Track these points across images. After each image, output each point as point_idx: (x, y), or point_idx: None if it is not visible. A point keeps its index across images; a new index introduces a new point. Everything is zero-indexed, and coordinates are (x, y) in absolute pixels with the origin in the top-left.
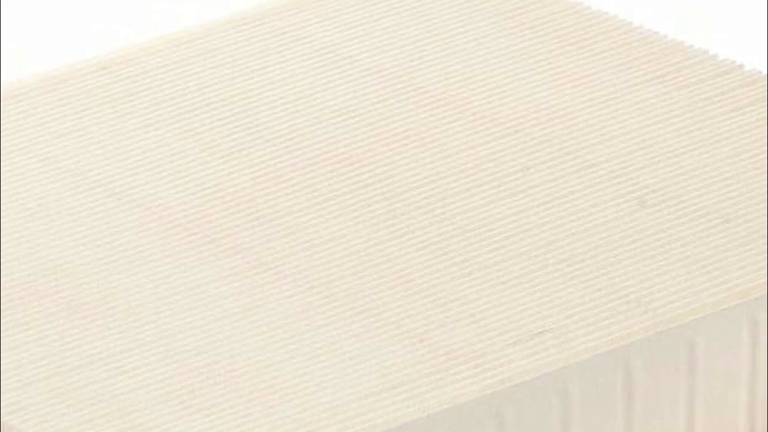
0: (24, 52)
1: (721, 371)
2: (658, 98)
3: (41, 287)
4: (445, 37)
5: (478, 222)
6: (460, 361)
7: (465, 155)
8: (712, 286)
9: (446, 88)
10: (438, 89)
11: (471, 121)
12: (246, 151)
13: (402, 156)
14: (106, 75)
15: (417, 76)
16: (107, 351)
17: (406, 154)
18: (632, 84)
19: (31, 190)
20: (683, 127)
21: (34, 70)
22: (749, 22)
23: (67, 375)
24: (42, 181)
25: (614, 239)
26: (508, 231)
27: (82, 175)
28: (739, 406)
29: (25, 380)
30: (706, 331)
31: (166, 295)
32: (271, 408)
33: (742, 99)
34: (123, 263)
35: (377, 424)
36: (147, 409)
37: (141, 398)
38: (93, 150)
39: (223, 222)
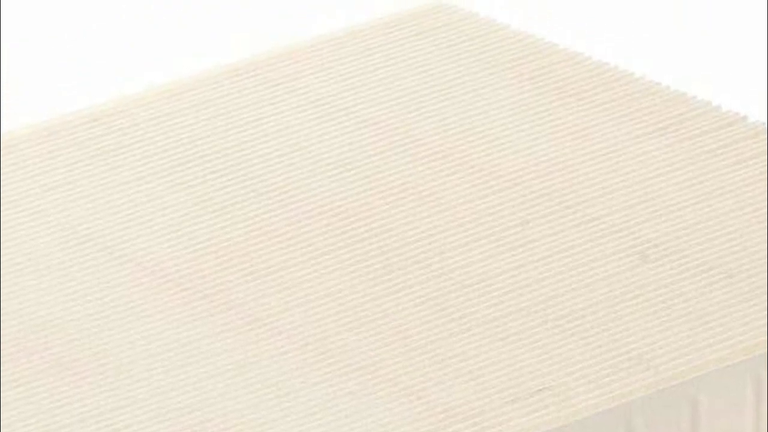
0: (14, 102)
1: (724, 429)
2: (660, 150)
3: (31, 344)
4: (442, 89)
5: (477, 277)
6: (458, 419)
7: (463, 209)
8: (715, 343)
9: (444, 140)
10: (436, 141)
11: (469, 173)
12: (240, 204)
13: (399, 209)
14: (97, 126)
15: (414, 128)
16: (98, 409)
17: (403, 208)
18: (633, 136)
19: (21, 244)
20: (685, 180)
21: (25, 120)
22: (751, 74)
23: None
24: (31, 236)
25: (615, 294)
26: (507, 286)
27: (72, 230)
28: None
29: None
30: (709, 389)
31: (159, 351)
32: None
33: (745, 151)
34: (114, 319)
35: None
36: None
37: None
38: (83, 203)
39: (216, 277)
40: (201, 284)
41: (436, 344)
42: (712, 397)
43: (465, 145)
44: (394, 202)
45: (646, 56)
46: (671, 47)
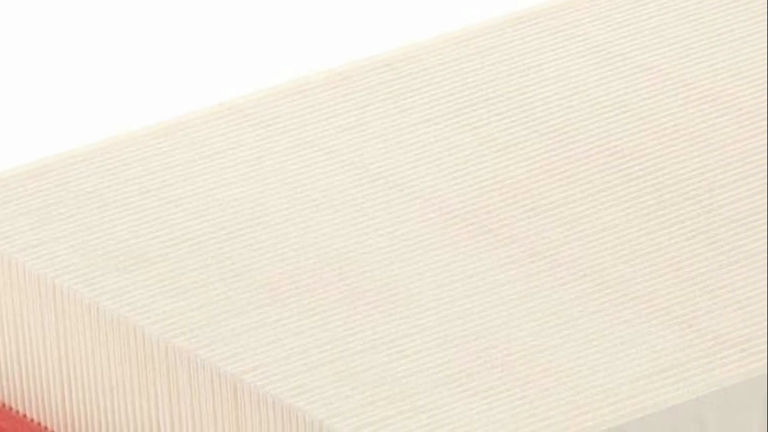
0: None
1: None
2: None
3: (326, 275)
4: (711, 36)
5: (745, 212)
6: (727, 346)
7: (731, 148)
8: None
9: (713, 84)
10: (705, 85)
11: (737, 115)
12: (522, 144)
13: (671, 149)
14: (388, 71)
15: (685, 73)
16: (389, 336)
17: (675, 147)
18: None
19: (317, 182)
20: None
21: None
22: None
23: (350, 359)
24: (327, 174)
25: None
26: None
27: (365, 168)
28: None
29: (311, 364)
30: None
31: (446, 282)
32: (546, 390)
33: None
34: (404, 252)
35: (648, 406)
36: (427, 391)
37: (421, 381)
38: (375, 144)
39: (499, 212)
40: (485, 219)
41: (706, 275)
42: None
43: (733, 88)
44: (666, 142)
45: None
46: None
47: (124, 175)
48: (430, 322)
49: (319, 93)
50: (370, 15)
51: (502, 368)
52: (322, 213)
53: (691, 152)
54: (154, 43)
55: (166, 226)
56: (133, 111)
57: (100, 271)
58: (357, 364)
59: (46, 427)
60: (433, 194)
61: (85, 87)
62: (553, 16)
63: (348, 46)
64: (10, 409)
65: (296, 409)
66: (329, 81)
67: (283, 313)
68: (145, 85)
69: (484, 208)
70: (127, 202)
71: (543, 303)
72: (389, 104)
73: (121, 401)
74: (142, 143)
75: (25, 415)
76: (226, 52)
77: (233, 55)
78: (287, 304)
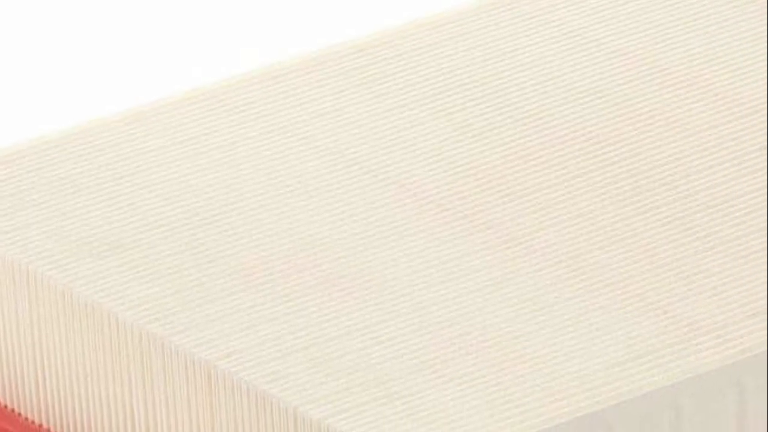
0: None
1: None
2: None
3: (301, 261)
4: (687, 21)
5: (720, 198)
6: (702, 332)
7: (707, 134)
8: None
9: (689, 69)
10: (681, 71)
11: (713, 101)
12: (497, 130)
13: (647, 134)
14: (362, 57)
15: (661, 58)
16: (363, 322)
17: (650, 133)
18: None
19: (291, 168)
20: None
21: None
22: None
23: (324, 345)
24: (301, 160)
25: None
26: (748, 207)
27: (340, 154)
28: None
29: (285, 350)
30: None
31: (420, 268)
32: (521, 377)
33: None
34: (378, 238)
35: (623, 393)
36: (402, 378)
37: (396, 367)
38: (350, 129)
39: (474, 198)
40: (460, 205)
41: (682, 261)
42: None
43: (709, 74)
44: (642, 127)
45: None
46: None
47: (97, 161)
48: (404, 308)
49: (293, 78)
50: (345, 0)
51: (477, 354)
52: (296, 199)
53: (667, 138)
54: (127, 29)
55: (139, 211)
56: (107, 96)
57: (73, 257)
58: (331, 350)
59: (19, 414)
60: (408, 180)
61: (58, 73)
62: (527, 1)
63: (322, 31)
64: None
65: (270, 396)
66: (303, 66)
67: (258, 299)
68: (118, 71)
69: (459, 193)
70: (101, 188)
71: (518, 289)
72: (364, 90)
73: (94, 387)
74: (115, 129)
75: None
76: (199, 37)
77: (207, 41)
78: (261, 290)
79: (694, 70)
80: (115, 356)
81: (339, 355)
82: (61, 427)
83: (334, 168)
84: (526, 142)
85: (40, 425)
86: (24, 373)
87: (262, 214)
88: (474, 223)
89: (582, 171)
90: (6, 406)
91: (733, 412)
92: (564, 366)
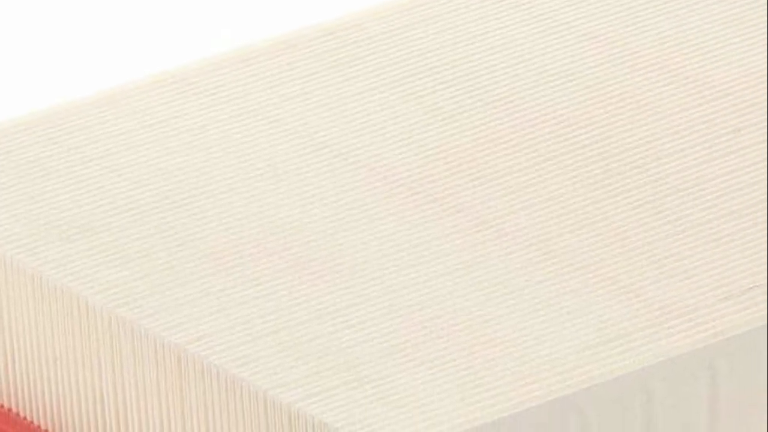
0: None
1: None
2: None
3: (270, 245)
4: (658, 4)
5: (691, 181)
6: (673, 316)
7: (678, 117)
8: None
9: (660, 52)
10: (652, 54)
11: (684, 84)
12: (467, 113)
13: (617, 118)
14: (332, 40)
15: (632, 41)
16: (334, 306)
17: (621, 116)
18: None
19: (261, 151)
20: None
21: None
22: None
23: (295, 329)
24: (271, 143)
25: None
26: (719, 190)
27: (309, 137)
28: None
29: (255, 334)
30: None
31: (391, 252)
32: (492, 360)
33: None
34: (349, 221)
35: (594, 376)
36: (372, 361)
37: (366, 351)
38: (320, 112)
39: (445, 182)
40: (431, 188)
41: (653, 245)
42: None
43: (680, 57)
44: (612, 111)
45: None
46: None
47: (66, 144)
48: (375, 291)
49: (264, 61)
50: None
51: (447, 338)
52: (266, 182)
53: (638, 121)
54: (96, 11)
55: (109, 195)
56: (76, 79)
57: (42, 240)
58: (301, 334)
59: None
60: (378, 163)
61: (26, 54)
62: None
63: (292, 14)
64: None
65: (240, 380)
66: (273, 49)
67: (227, 282)
68: (86, 54)
69: (430, 177)
70: (70, 172)
71: (488, 272)
72: (334, 73)
73: (64, 371)
74: (84, 112)
75: None
76: (169, 19)
77: (176, 24)
78: (231, 274)
79: (665, 54)
80: (84, 340)
81: (309, 339)
82: (30, 410)
83: (304, 151)
84: (497, 125)
85: (10, 409)
86: None
87: (232, 197)
88: (444, 206)
89: (553, 154)
90: None
91: (705, 395)
92: (535, 350)
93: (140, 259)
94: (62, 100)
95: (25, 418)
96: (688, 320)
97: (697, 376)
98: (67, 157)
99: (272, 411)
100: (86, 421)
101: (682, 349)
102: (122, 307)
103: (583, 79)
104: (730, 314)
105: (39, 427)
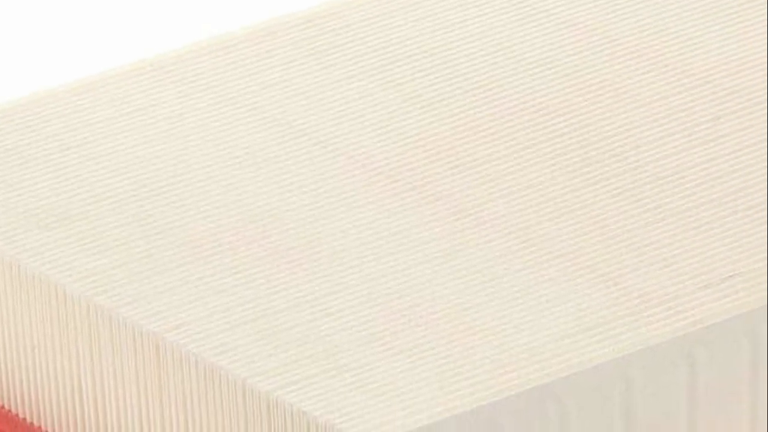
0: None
1: None
2: None
3: (249, 233)
4: None
5: (671, 169)
6: (653, 304)
7: (657, 105)
8: None
9: (639, 40)
10: (631, 42)
11: (663, 72)
12: (446, 101)
13: (597, 106)
14: (311, 28)
15: (611, 29)
16: (313, 294)
17: (600, 104)
18: None
19: (240, 139)
20: None
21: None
22: None
23: (273, 317)
24: (250, 131)
25: None
26: (699, 178)
27: (288, 125)
28: None
29: (234, 322)
30: None
31: (370, 240)
32: (471, 349)
33: None
34: (327, 209)
35: (573, 365)
36: (351, 350)
37: (345, 339)
38: (298, 100)
39: (424, 170)
40: (410, 176)
41: (632, 233)
42: None
43: (659, 44)
44: (591, 98)
45: None
46: None
47: (44, 131)
48: (353, 280)
49: (242, 49)
50: None
51: (426, 326)
52: (244, 170)
53: (617, 109)
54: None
55: (87, 183)
56: (54, 67)
57: (20, 228)
58: (280, 322)
59: None
60: (357, 151)
61: (2, 43)
62: None
63: (271, 1)
64: None
65: (219, 368)
66: (252, 37)
67: (206, 271)
68: (64, 41)
69: (408, 165)
70: (48, 159)
71: (467, 261)
72: (312, 60)
73: (42, 360)
74: (62, 100)
75: None
76: (148, 7)
77: (155, 11)
78: (210, 262)
79: (645, 42)
80: (62, 328)
81: (288, 327)
82: (8, 399)
83: (282, 139)
84: (476, 113)
85: None
86: None
87: (211, 185)
88: (423, 194)
89: (532, 142)
90: None
91: (684, 384)
92: (514, 338)
93: (118, 247)
94: (40, 88)
95: (2, 407)
96: (668, 308)
97: (676, 365)
98: (45, 145)
99: (251, 399)
100: (64, 409)
101: (661, 337)
102: (100, 295)
103: (562, 67)
104: (710, 302)
105: (17, 415)
